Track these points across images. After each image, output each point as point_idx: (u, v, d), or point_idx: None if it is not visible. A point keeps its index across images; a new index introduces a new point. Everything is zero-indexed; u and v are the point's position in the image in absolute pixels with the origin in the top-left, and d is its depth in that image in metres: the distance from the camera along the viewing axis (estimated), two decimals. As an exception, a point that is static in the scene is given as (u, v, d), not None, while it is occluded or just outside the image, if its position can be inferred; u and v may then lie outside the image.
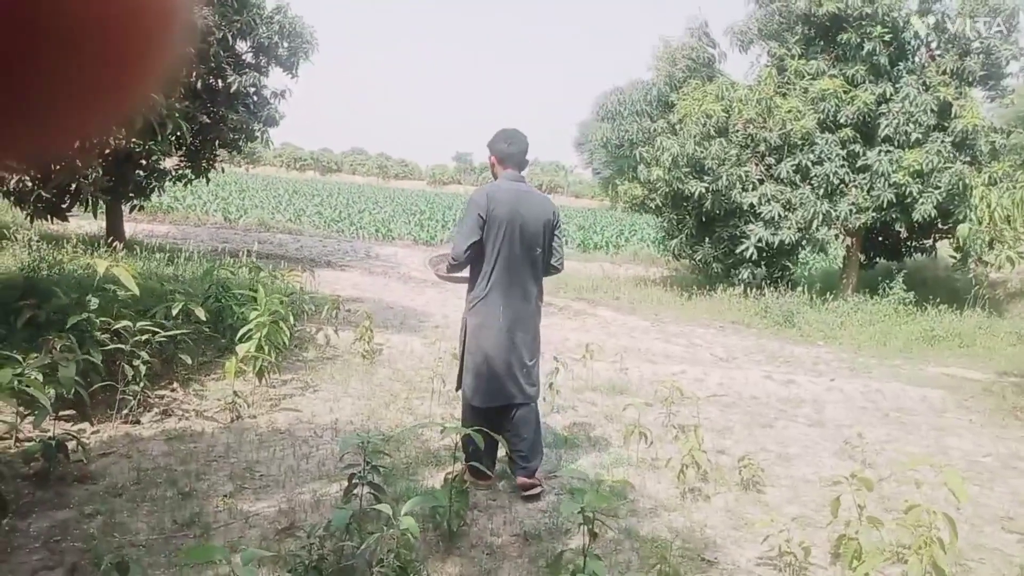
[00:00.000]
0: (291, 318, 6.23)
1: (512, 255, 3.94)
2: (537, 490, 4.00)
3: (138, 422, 4.53)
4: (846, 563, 3.33)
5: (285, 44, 11.84)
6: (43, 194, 8.63)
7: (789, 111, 12.46)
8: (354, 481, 3.40)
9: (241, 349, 5.19)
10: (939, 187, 11.67)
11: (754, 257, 12.64)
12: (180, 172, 11.72)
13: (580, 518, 2.90)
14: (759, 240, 12.46)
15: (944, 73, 12.27)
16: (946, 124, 12.04)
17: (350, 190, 42.07)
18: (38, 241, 8.17)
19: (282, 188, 34.78)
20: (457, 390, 4.29)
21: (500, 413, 4.06)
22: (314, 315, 7.54)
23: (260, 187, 32.86)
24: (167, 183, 11.63)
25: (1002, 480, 4.92)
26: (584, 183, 62.17)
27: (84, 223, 12.70)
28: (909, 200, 11.91)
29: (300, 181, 50.46)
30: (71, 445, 3.72)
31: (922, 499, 3.37)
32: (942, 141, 11.84)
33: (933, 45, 13.06)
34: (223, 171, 13.10)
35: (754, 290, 12.49)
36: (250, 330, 5.40)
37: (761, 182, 12.72)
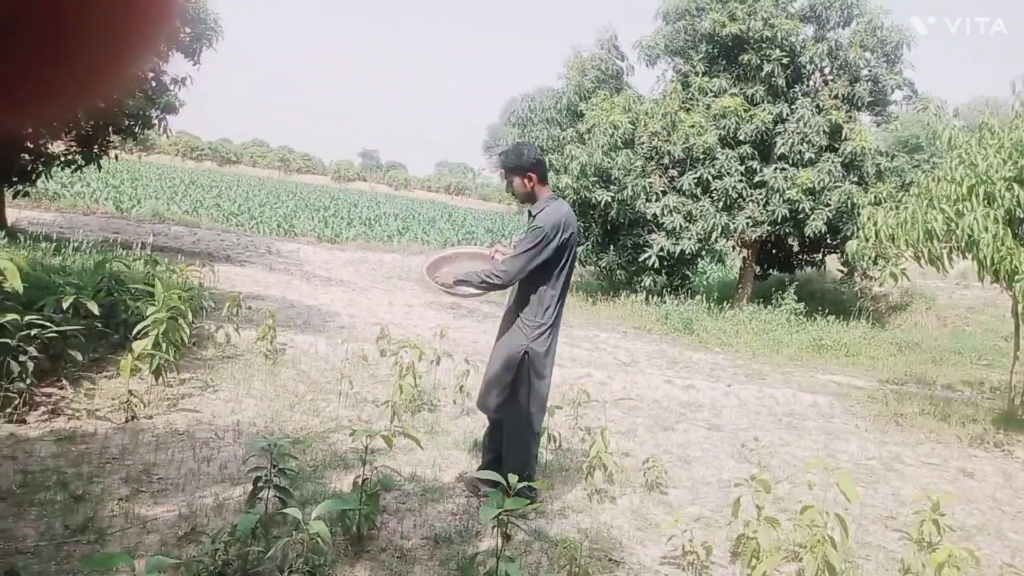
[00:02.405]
0: (190, 315, 5.99)
1: (569, 280, 3.95)
2: None
3: (24, 421, 4.25)
4: (745, 561, 3.47)
5: (187, 30, 11.39)
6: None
7: (692, 126, 12.90)
8: (260, 485, 3.31)
9: (137, 346, 4.94)
10: (829, 204, 12.35)
11: (656, 265, 13.03)
12: (69, 157, 11.07)
13: (493, 521, 2.91)
14: (661, 249, 12.85)
15: (836, 97, 12.99)
16: (837, 145, 12.75)
17: (250, 183, 40.78)
18: (-93, 225, 7.56)
19: (178, 178, 33.37)
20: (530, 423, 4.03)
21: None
22: (214, 312, 7.27)
23: (154, 176, 31.42)
24: (55, 168, 10.97)
25: (885, 481, 5.23)
26: (492, 186, 62.41)
27: (-41, 208, 11.83)
28: (801, 216, 12.55)
29: (197, 171, 48.53)
30: (-52, 446, 3.45)
31: (814, 500, 3.54)
32: (833, 161, 12.53)
33: (826, 70, 13.80)
34: (116, 158, 12.45)
35: (655, 297, 12.86)
36: (147, 326, 5.15)
37: (664, 193, 13.12)
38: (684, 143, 12.89)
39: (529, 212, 4.00)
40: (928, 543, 3.88)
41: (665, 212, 12.84)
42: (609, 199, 12.98)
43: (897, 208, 7.18)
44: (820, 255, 14.86)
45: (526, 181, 3.94)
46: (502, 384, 3.96)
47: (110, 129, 11.00)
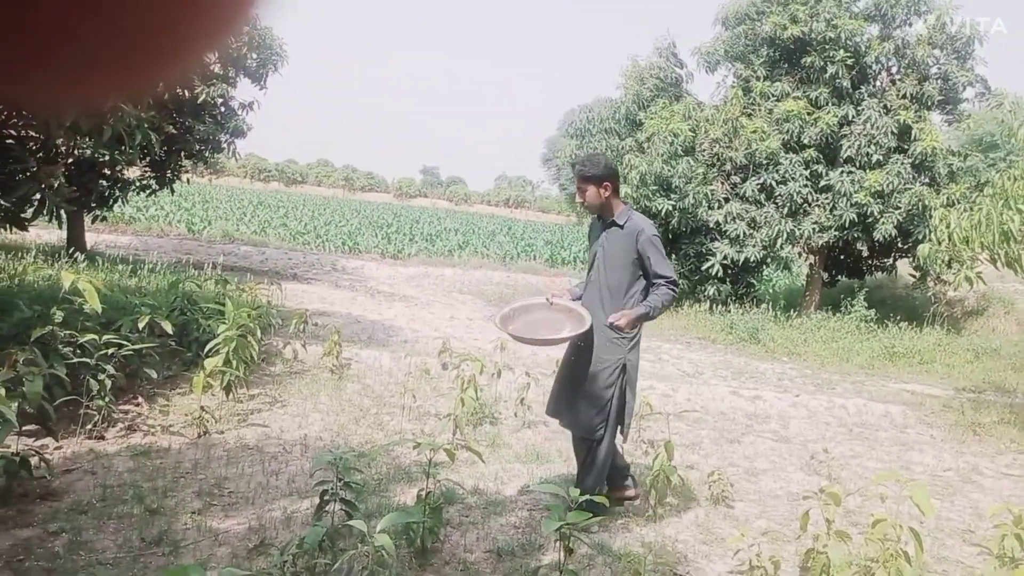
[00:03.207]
0: (259, 332, 6.16)
1: None
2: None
3: (103, 438, 4.43)
4: (815, 577, 3.37)
5: (254, 55, 11.76)
6: (3, 203, 8.43)
7: (754, 131, 12.69)
8: (326, 498, 3.37)
9: (209, 363, 5.11)
10: (899, 207, 11.97)
11: (720, 274, 12.83)
12: (144, 182, 11.56)
13: (555, 534, 2.91)
14: (725, 257, 12.65)
15: (904, 97, 12.60)
16: (906, 146, 12.36)
17: (315, 202, 41.77)
18: (-3, 251, 7.98)
19: (246, 199, 34.40)
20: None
21: None
22: (281, 329, 7.46)
23: (224, 198, 32.46)
24: (130, 193, 11.46)
25: (963, 494, 5.03)
26: (551, 198, 62.49)
27: (43, 233, 12.44)
28: (870, 220, 12.19)
29: (264, 192, 49.96)
30: (34, 461, 3.62)
31: (887, 513, 3.43)
32: (902, 163, 12.15)
33: (893, 70, 13.41)
34: (188, 182, 12.93)
35: (720, 306, 12.66)
36: (217, 344, 5.33)
37: (727, 200, 12.92)
38: (746, 149, 12.69)
39: (613, 222, 3.97)
40: (1011, 559, 3.71)
41: (728, 219, 12.64)
42: (670, 207, 12.85)
43: (971, 209, 6.92)
44: (891, 260, 14.40)
45: (602, 191, 3.92)
46: (604, 401, 3.89)
47: (182, 154, 11.45)
